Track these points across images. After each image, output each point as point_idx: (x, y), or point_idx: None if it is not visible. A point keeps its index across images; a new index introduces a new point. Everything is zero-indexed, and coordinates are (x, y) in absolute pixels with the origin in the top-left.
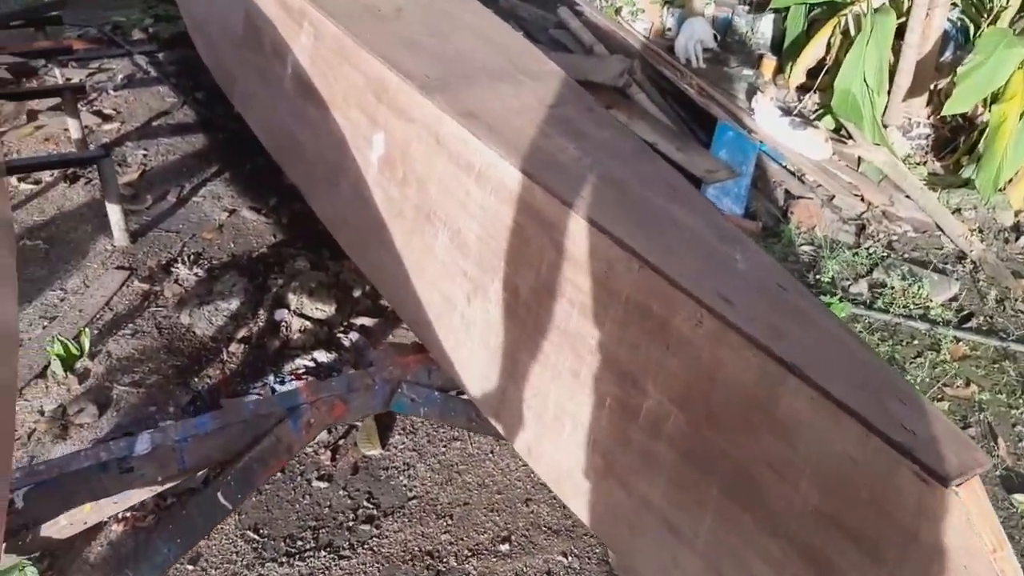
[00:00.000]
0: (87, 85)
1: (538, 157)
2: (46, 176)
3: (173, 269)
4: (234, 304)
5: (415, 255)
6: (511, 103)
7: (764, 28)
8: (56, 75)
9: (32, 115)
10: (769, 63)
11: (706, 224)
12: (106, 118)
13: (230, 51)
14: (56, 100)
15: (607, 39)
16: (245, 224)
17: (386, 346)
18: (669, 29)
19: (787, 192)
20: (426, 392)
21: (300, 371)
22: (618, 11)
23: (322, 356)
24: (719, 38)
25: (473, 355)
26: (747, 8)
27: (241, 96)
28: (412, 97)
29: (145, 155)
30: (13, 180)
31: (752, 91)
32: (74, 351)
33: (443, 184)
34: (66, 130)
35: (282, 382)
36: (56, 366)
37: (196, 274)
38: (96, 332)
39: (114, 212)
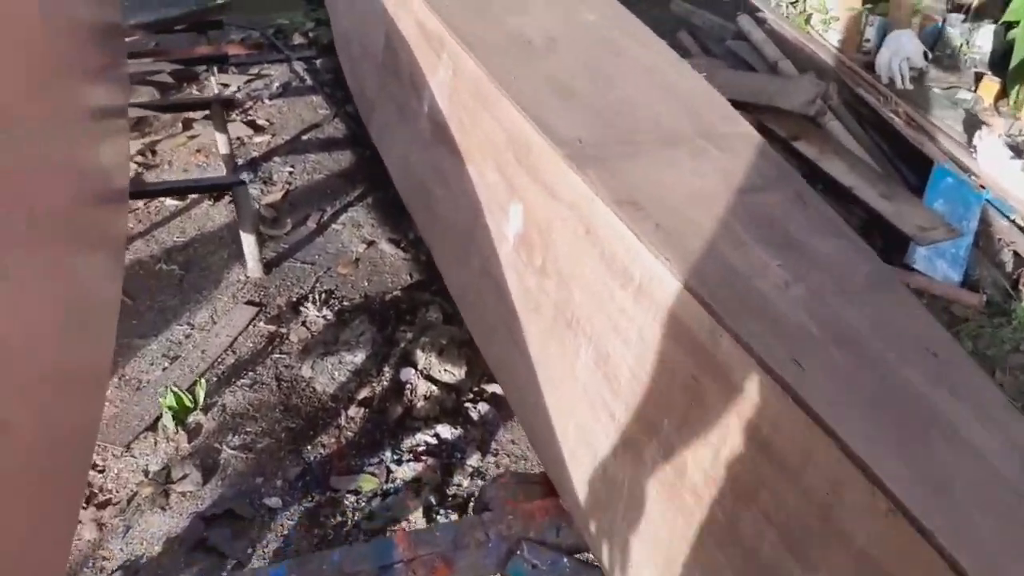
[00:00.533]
0: (244, 93)
1: (725, 280)
2: (190, 197)
3: (302, 308)
4: (359, 357)
5: (551, 365)
6: (689, 184)
7: (982, 41)
8: (213, 82)
9: (187, 124)
10: (990, 85)
11: (1004, 440)
12: (258, 129)
13: (371, 74)
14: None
15: (795, 54)
16: (382, 258)
17: (508, 477)
18: (867, 40)
19: (1016, 255)
20: (552, 556)
21: (420, 448)
22: (808, 20)
23: (446, 431)
24: (929, 56)
25: (617, 531)
26: (962, 17)
27: (378, 127)
28: (558, 167)
29: (291, 173)
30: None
31: (972, 121)
32: (187, 403)
33: (591, 289)
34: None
35: (399, 462)
36: (167, 420)
37: (325, 316)
38: (214, 380)
39: (248, 242)
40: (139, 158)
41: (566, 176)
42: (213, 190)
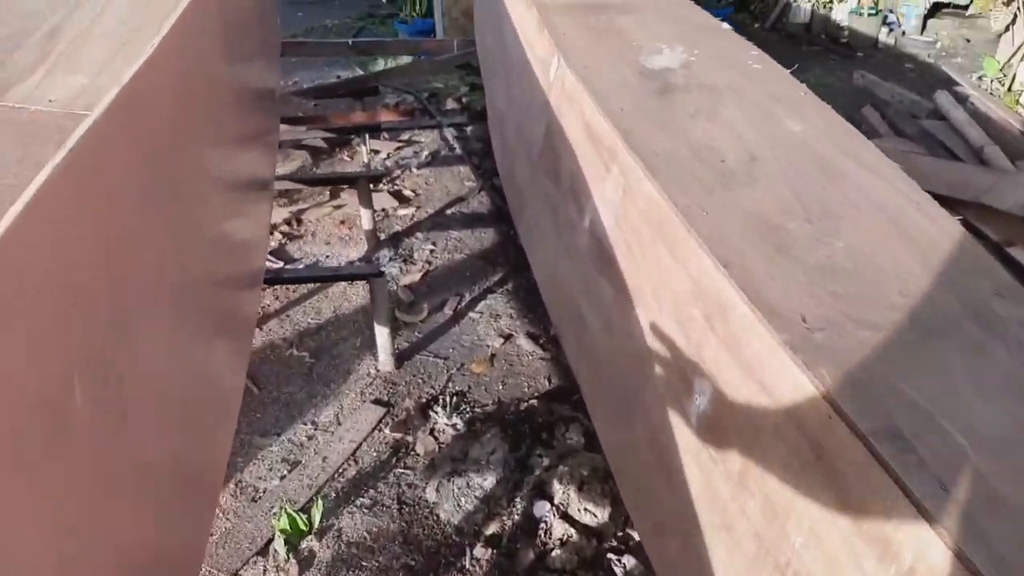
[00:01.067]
0: (393, 161)
1: None
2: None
3: (431, 413)
4: (489, 481)
5: None
6: (969, 406)
7: None
8: (364, 151)
9: (335, 192)
10: None
11: None
12: (403, 200)
13: (524, 164)
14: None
15: (1003, 137)
16: (519, 357)
17: None
18: None
19: None
20: None
21: None
22: (1019, 99)
23: None
24: None
25: None
26: None
27: (527, 223)
28: (773, 354)
29: (432, 251)
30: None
31: None
32: (302, 526)
33: (823, 543)
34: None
35: None
36: (279, 544)
37: (454, 426)
38: (332, 496)
39: (382, 335)
40: (284, 227)
41: (786, 370)
42: (351, 279)
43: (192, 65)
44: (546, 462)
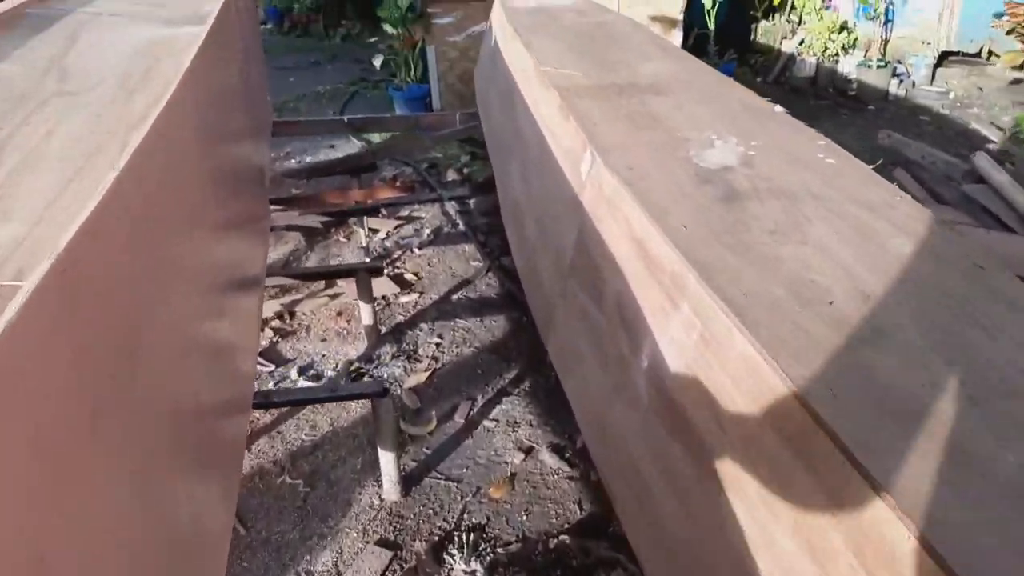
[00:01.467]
0: (394, 241)
1: None
2: (328, 370)
3: (446, 557)
4: None
5: None
6: None
7: None
8: (362, 235)
9: (330, 280)
10: None
11: None
12: (405, 285)
13: (551, 271)
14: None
15: None
16: (543, 476)
17: None
18: None
19: None
20: None
21: None
22: None
23: None
24: None
25: None
26: None
27: (559, 346)
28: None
29: (438, 345)
30: (293, 374)
31: None
32: None
33: None
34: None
35: None
36: None
37: (473, 573)
38: None
39: (387, 460)
40: (276, 322)
41: None
42: (352, 399)
43: (166, 173)
44: None
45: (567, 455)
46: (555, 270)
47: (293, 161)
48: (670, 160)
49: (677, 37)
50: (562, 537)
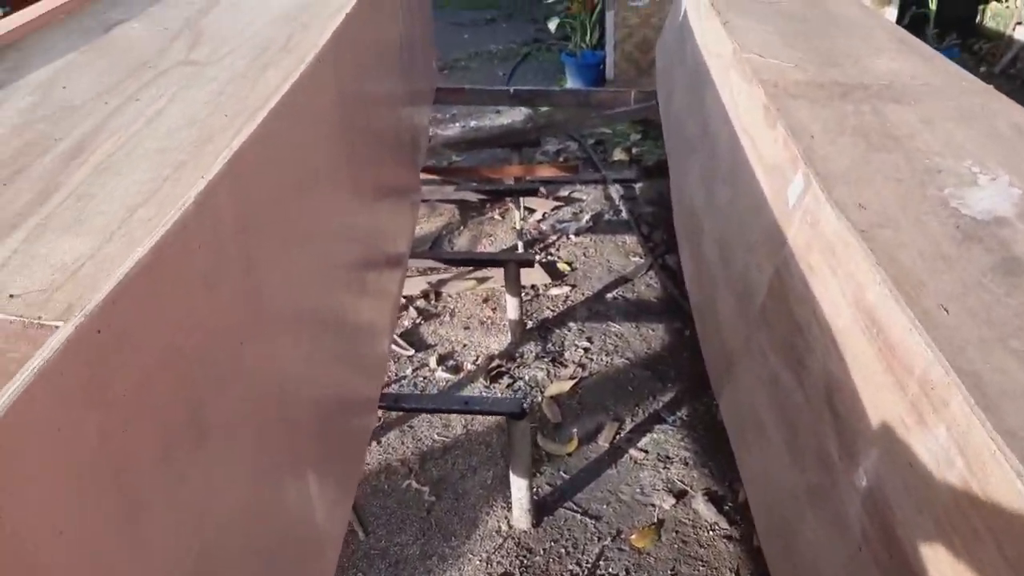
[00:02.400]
0: (550, 224)
1: None
2: (468, 363)
3: None
4: None
5: None
6: None
7: None
8: (517, 216)
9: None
10: None
11: None
12: (556, 277)
13: (732, 310)
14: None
15: None
16: (696, 529)
17: None
18: None
19: None
20: None
21: None
22: None
23: None
24: None
25: None
26: None
27: (736, 409)
28: None
29: (587, 351)
30: (432, 362)
31: None
32: None
33: None
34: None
35: None
36: None
37: None
38: None
39: (519, 487)
40: (420, 302)
41: None
42: (486, 414)
43: (289, 154)
44: None
45: (726, 507)
46: (739, 312)
47: (458, 125)
48: (918, 200)
49: (891, 14)
50: None
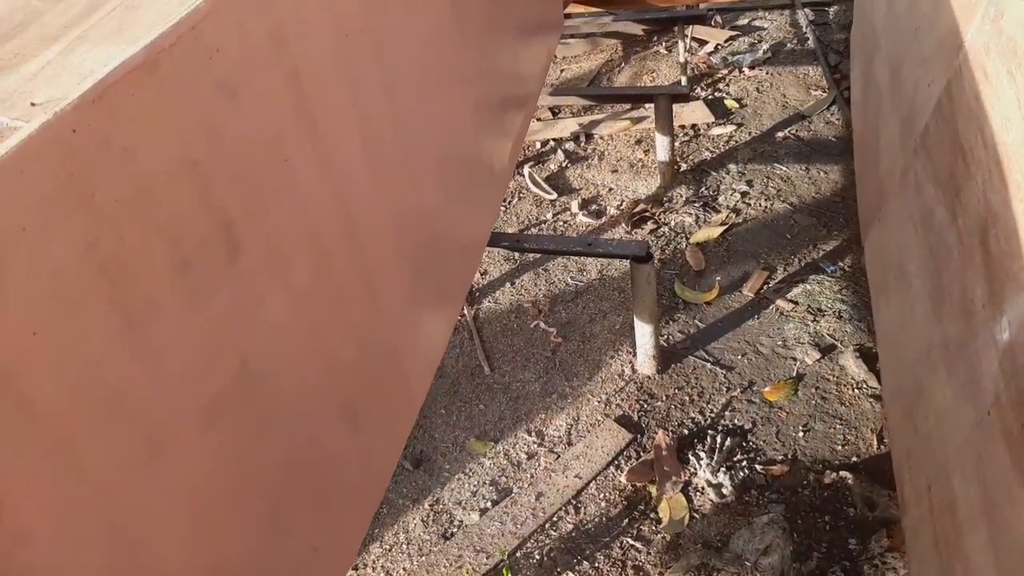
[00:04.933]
0: (722, 57)
1: None
2: (611, 207)
3: (691, 458)
4: None
5: None
6: None
7: None
8: (681, 47)
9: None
10: None
11: None
12: (722, 114)
13: (895, 143)
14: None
15: None
16: (840, 387)
17: None
18: None
19: None
20: None
21: None
22: None
23: None
24: None
25: None
26: None
27: (880, 251)
28: None
29: (744, 195)
30: (574, 206)
31: None
32: None
33: None
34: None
35: None
36: None
37: (720, 487)
38: (533, 560)
39: (643, 332)
40: (569, 144)
41: None
42: (609, 257)
43: None
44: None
45: (879, 365)
46: (901, 139)
47: None
48: None
49: None
50: (843, 474)
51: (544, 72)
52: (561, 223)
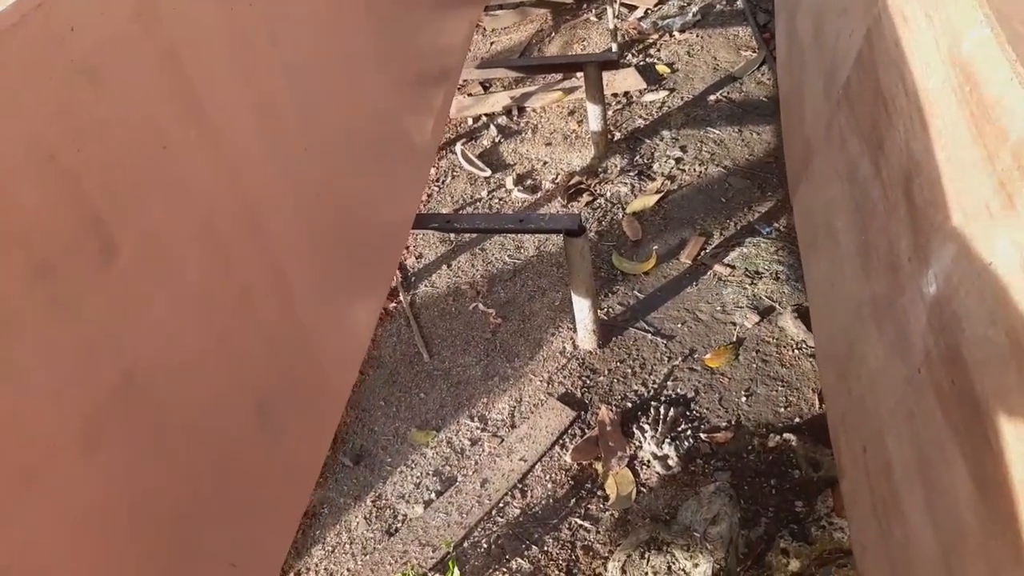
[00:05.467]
0: (652, 21)
1: None
2: (547, 182)
3: (635, 431)
4: (702, 570)
5: None
6: None
7: None
8: (611, 12)
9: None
10: None
11: None
12: (653, 80)
13: (819, 98)
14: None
15: None
16: (780, 348)
17: None
18: None
19: None
20: None
21: None
22: None
23: None
24: None
25: None
26: None
27: (808, 208)
28: None
29: (679, 161)
30: (509, 182)
31: None
32: None
33: None
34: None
35: None
36: None
37: (665, 459)
38: (479, 549)
39: (581, 306)
40: (502, 119)
41: None
42: (542, 232)
43: None
44: (794, 564)
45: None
46: (824, 92)
47: None
48: None
49: None
50: (787, 436)
51: (467, 44)
52: (496, 200)
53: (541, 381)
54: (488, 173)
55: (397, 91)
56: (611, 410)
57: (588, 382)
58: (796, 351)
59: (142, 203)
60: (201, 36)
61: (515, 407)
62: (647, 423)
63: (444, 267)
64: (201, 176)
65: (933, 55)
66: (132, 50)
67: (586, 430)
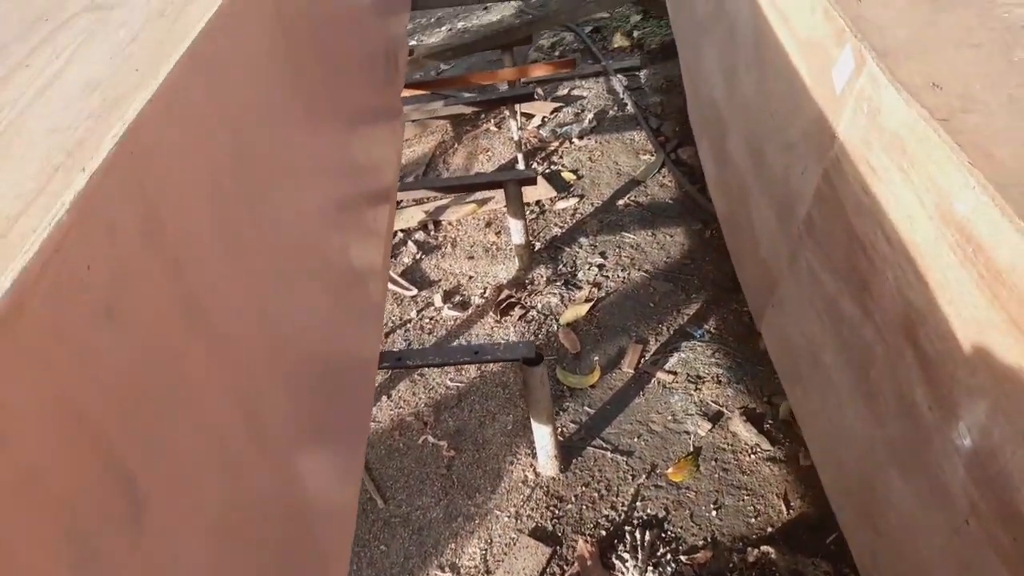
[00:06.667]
0: (550, 129)
1: None
2: (475, 296)
3: (615, 561)
4: None
5: None
6: None
7: None
8: (514, 125)
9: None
10: None
11: None
12: (561, 188)
13: (773, 229)
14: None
15: None
16: (736, 454)
17: None
18: None
19: None
20: None
21: None
22: None
23: None
24: None
25: None
26: None
27: (783, 337)
28: None
29: (601, 268)
30: (437, 300)
31: None
32: None
33: None
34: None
35: None
36: None
37: None
38: None
39: (542, 434)
40: (419, 234)
41: None
42: (499, 361)
43: (233, 89)
44: None
45: (766, 425)
46: (779, 224)
47: (443, 29)
48: (1005, 70)
49: None
50: (764, 549)
51: (398, 160)
52: (427, 320)
53: (509, 517)
54: (414, 292)
55: (350, 225)
56: (588, 543)
57: (557, 512)
58: (752, 456)
59: (164, 444)
60: (204, 253)
61: (486, 550)
62: (626, 551)
63: (384, 398)
64: (211, 395)
65: (917, 210)
66: (145, 280)
67: (565, 567)
